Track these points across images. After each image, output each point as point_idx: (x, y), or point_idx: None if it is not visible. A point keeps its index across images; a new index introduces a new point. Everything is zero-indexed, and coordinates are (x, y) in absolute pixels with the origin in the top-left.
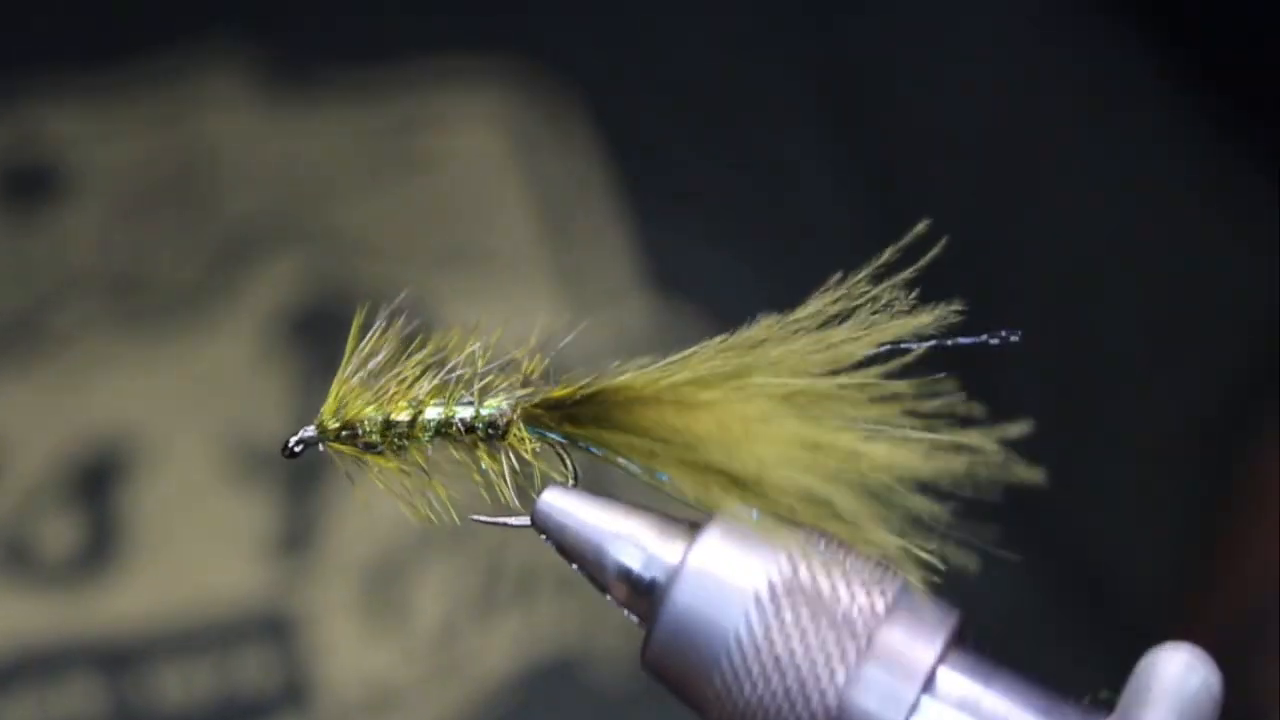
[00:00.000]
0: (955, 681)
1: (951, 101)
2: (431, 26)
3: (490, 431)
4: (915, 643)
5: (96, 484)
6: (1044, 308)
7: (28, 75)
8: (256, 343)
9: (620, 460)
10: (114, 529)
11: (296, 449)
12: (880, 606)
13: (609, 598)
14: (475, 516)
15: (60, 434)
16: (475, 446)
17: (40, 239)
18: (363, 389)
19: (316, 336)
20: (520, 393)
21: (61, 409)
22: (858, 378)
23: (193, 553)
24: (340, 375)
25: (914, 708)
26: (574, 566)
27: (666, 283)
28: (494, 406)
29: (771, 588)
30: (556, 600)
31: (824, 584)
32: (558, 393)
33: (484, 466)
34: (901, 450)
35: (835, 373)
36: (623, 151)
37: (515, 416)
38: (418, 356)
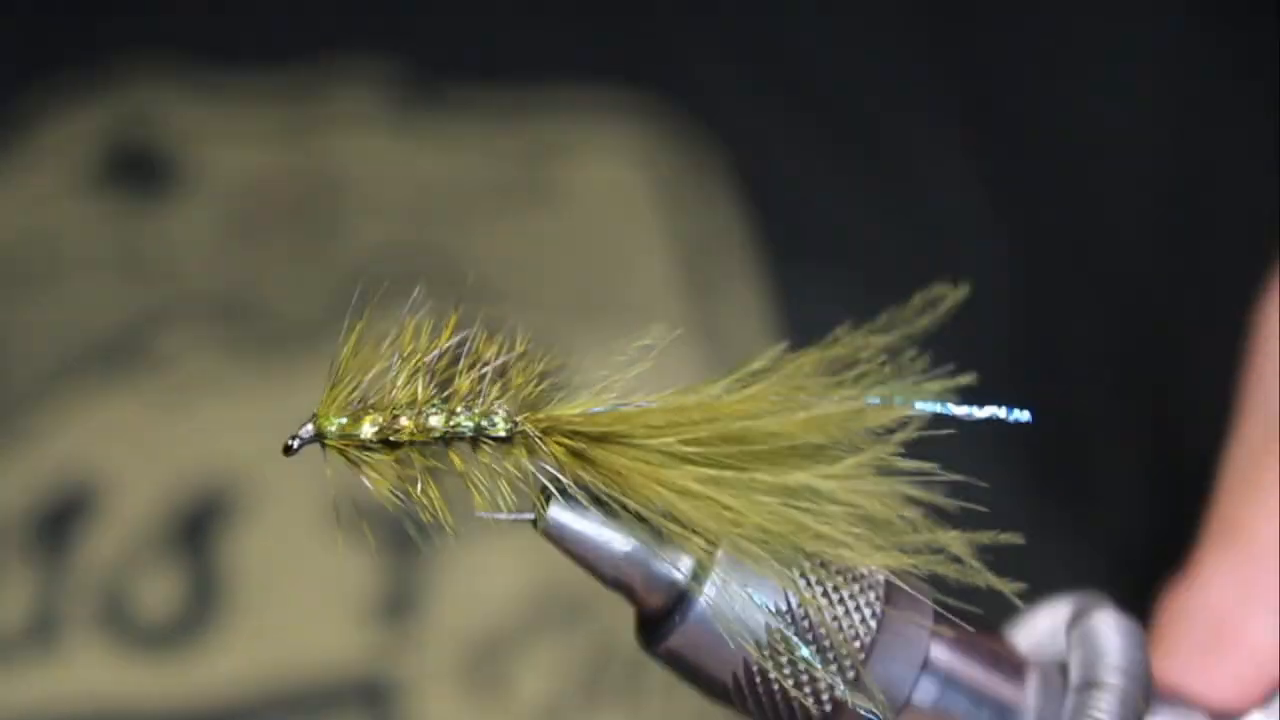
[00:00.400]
0: (941, 655)
1: (1117, 166)
2: (571, 55)
3: (491, 435)
4: (910, 629)
5: (197, 530)
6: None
7: (156, 55)
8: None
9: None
10: (214, 583)
11: (294, 444)
12: (877, 605)
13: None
14: (481, 513)
15: (162, 471)
16: (477, 450)
17: (149, 240)
18: (366, 389)
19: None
20: (521, 408)
21: (161, 443)
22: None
23: (292, 612)
24: (335, 375)
25: (914, 686)
26: (583, 568)
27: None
28: (494, 416)
29: (783, 601)
30: (665, 695)
31: (828, 588)
32: (561, 414)
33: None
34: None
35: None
36: (764, 198)
37: (520, 423)
38: (432, 357)
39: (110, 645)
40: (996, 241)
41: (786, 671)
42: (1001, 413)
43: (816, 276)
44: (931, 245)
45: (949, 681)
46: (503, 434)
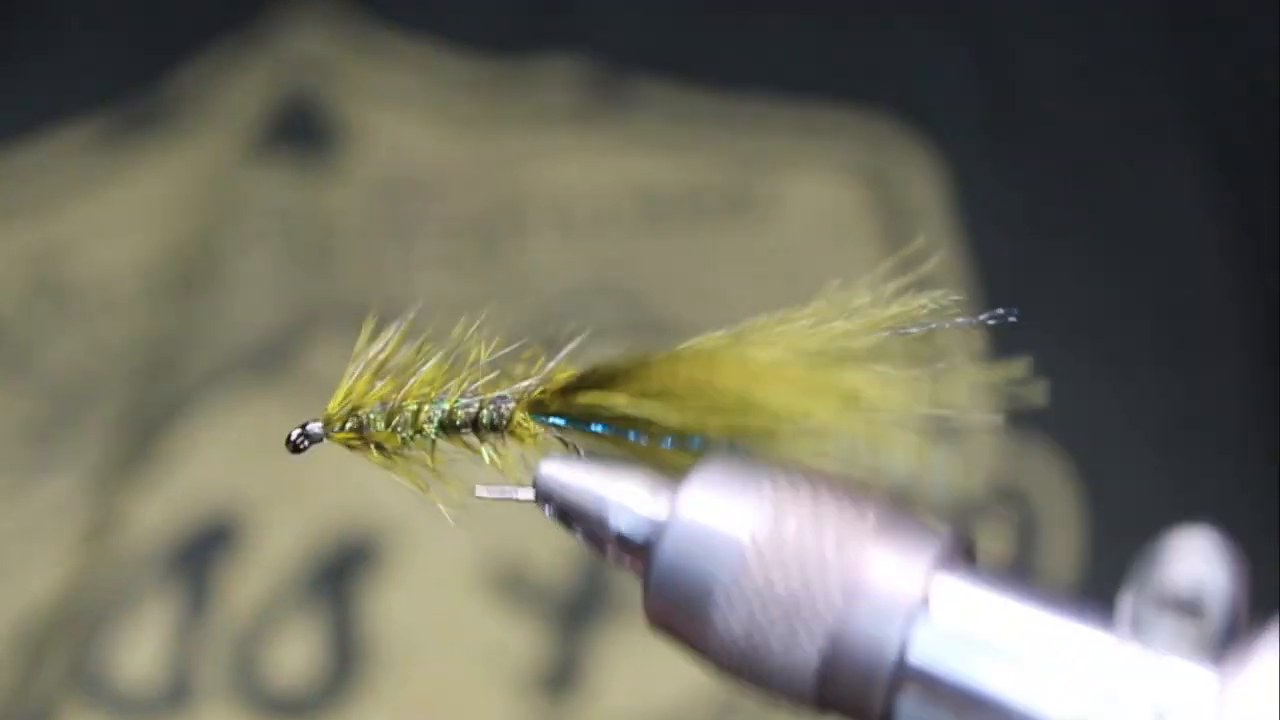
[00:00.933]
0: (950, 598)
1: None
2: (791, 67)
3: (495, 422)
4: (905, 562)
5: (341, 578)
6: None
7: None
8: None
9: (619, 433)
10: (356, 642)
11: (301, 444)
12: (866, 533)
13: (609, 559)
14: (480, 492)
15: (307, 506)
16: (481, 439)
17: (308, 216)
18: (370, 386)
19: None
20: (521, 384)
21: (307, 472)
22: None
23: (441, 679)
24: (348, 374)
25: (909, 626)
26: (576, 535)
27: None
28: (495, 396)
29: (755, 532)
30: None
31: (809, 521)
32: (560, 376)
33: (490, 458)
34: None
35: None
36: (986, 234)
37: (518, 407)
38: (424, 354)
39: (243, 714)
40: (1235, 275)
41: (764, 614)
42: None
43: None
44: (1163, 287)
45: (955, 627)
46: (508, 399)
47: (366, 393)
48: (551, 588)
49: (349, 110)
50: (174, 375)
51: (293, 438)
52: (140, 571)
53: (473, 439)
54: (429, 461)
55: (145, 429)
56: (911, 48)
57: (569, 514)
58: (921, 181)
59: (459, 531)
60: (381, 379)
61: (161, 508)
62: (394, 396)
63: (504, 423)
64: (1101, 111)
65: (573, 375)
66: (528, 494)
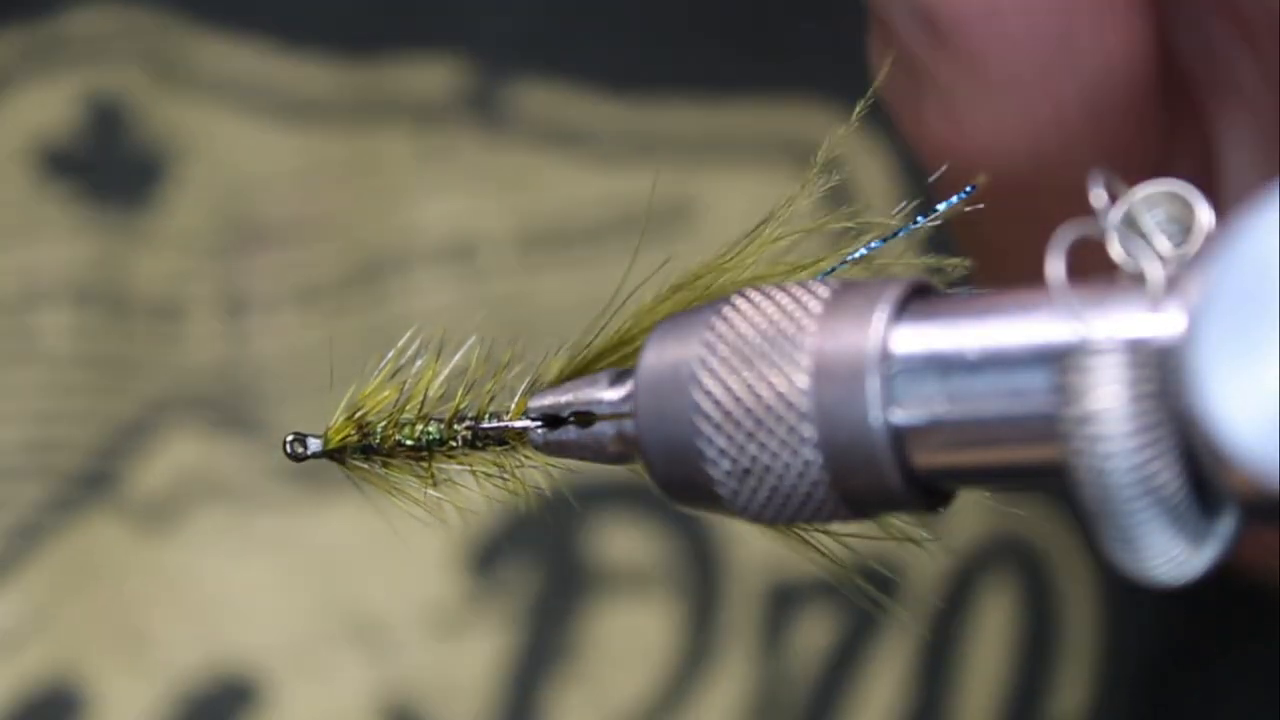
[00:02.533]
0: (918, 338)
1: None
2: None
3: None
4: (858, 323)
5: None
6: None
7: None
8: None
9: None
10: None
11: (298, 451)
12: (816, 311)
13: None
14: (483, 425)
15: (151, 664)
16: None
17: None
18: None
19: None
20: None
21: (143, 621)
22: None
23: None
24: (351, 395)
25: (882, 384)
26: (571, 445)
27: None
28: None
29: (706, 349)
30: None
31: (758, 319)
32: (546, 377)
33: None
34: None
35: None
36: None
37: (514, 410)
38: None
39: None
40: None
41: (749, 430)
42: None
43: None
44: None
45: (938, 365)
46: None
47: (369, 408)
48: None
49: (169, 136)
50: None
51: (287, 444)
52: None
53: (471, 455)
54: (424, 475)
55: None
56: (830, 21)
57: (561, 421)
58: (862, 159)
59: (344, 665)
60: (384, 393)
61: None
62: (393, 413)
63: (504, 429)
64: None
65: (559, 372)
66: (524, 422)
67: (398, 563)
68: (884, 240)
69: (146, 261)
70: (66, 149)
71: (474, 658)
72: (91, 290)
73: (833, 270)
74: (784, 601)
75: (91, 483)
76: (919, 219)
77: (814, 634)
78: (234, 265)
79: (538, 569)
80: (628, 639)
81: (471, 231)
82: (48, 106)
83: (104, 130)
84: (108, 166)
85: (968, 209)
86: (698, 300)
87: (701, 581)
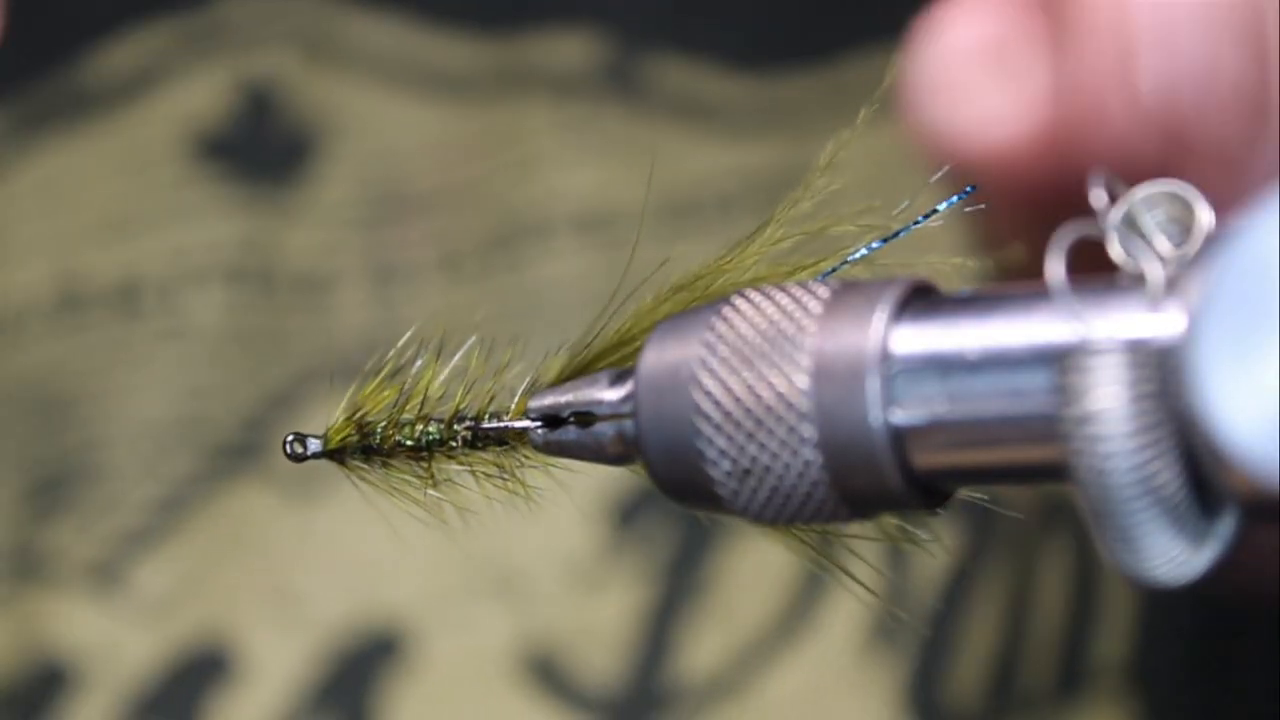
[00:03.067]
0: (918, 338)
1: None
2: None
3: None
4: (858, 323)
5: (354, 695)
6: None
7: None
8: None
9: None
10: None
11: (298, 451)
12: (816, 312)
13: (608, 453)
14: (483, 425)
15: (299, 620)
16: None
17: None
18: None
19: None
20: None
21: (294, 579)
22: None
23: None
24: (351, 397)
25: (882, 384)
26: (571, 446)
27: None
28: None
29: (706, 349)
30: None
31: (758, 320)
32: (548, 376)
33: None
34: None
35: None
36: None
37: (514, 411)
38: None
39: None
40: None
41: (749, 430)
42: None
43: None
44: None
45: (937, 365)
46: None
47: (369, 408)
48: (596, 684)
49: (318, 115)
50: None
51: (286, 444)
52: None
53: (473, 455)
54: (424, 475)
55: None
56: None
57: (561, 422)
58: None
59: (486, 618)
60: (384, 393)
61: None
62: (393, 413)
63: (504, 429)
64: None
65: (559, 372)
66: (524, 422)
67: (539, 517)
68: (884, 240)
69: (296, 236)
70: (220, 134)
71: (613, 608)
72: (242, 268)
73: (833, 270)
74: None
75: (241, 453)
76: (920, 219)
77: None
78: (380, 236)
79: (675, 521)
80: (756, 570)
81: (608, 201)
82: (203, 94)
83: (256, 113)
84: (259, 148)
85: (967, 209)
86: (698, 300)
87: None
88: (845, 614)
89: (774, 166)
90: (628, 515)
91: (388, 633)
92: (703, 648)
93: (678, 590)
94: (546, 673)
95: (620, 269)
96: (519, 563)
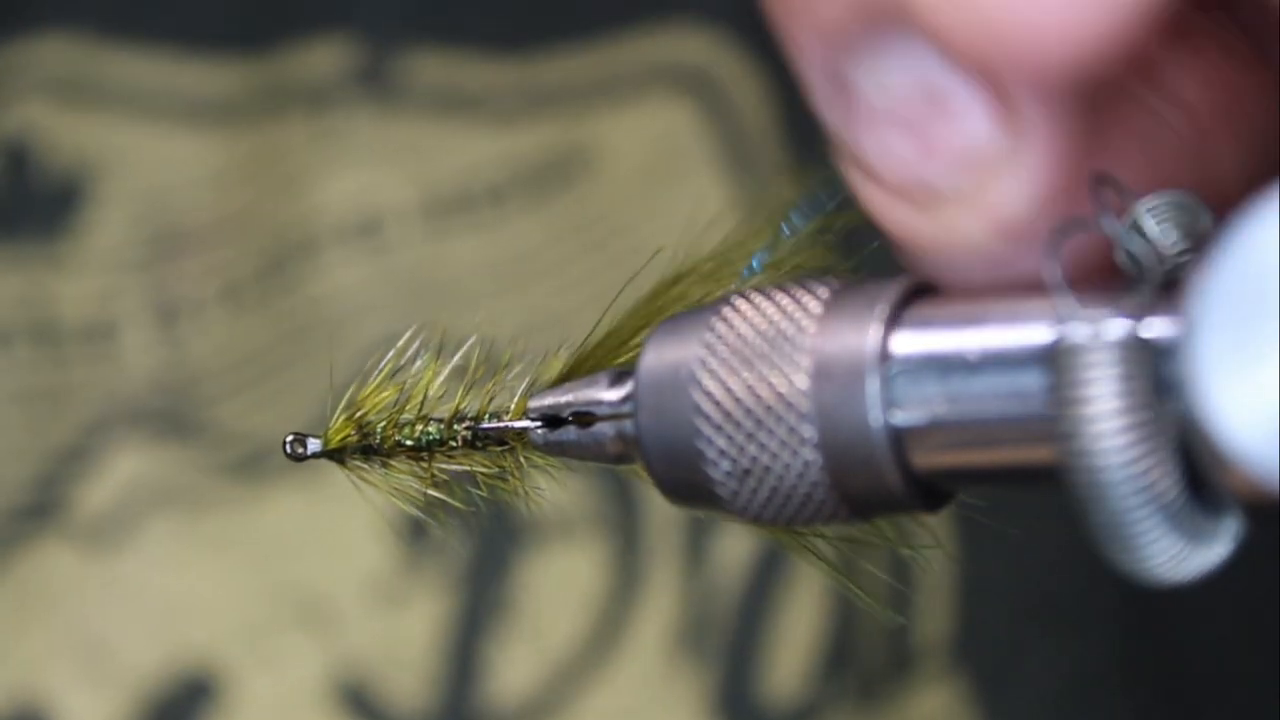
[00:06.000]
0: (917, 339)
1: None
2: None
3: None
4: (858, 323)
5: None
6: None
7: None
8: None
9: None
10: None
11: (298, 451)
12: (816, 312)
13: (608, 453)
14: (484, 425)
15: (109, 673)
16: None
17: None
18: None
19: None
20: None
21: (101, 631)
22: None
23: None
24: (349, 396)
25: (881, 385)
26: (571, 446)
27: None
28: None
29: (706, 350)
30: None
31: (756, 322)
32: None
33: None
34: None
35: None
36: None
37: (514, 410)
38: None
39: None
40: None
41: (748, 431)
42: None
43: None
44: None
45: (937, 364)
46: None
47: (369, 408)
48: (409, 709)
49: (81, 161)
50: None
51: (286, 444)
52: None
53: (471, 455)
54: (423, 475)
55: None
56: None
57: (561, 422)
58: (749, 84)
59: (296, 649)
60: (384, 393)
61: None
62: (393, 413)
63: (504, 430)
64: None
65: (559, 372)
66: (524, 422)
67: (336, 541)
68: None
69: (72, 287)
70: None
71: (417, 625)
72: (17, 326)
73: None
74: (704, 521)
75: (36, 513)
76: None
77: (736, 548)
78: (158, 275)
79: (468, 531)
80: (561, 584)
81: (375, 206)
82: None
83: (14, 169)
84: (23, 204)
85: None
86: (693, 293)
87: (624, 516)
88: (653, 624)
89: (543, 151)
90: (417, 529)
91: (201, 676)
92: (512, 666)
93: (481, 602)
94: (359, 703)
95: (397, 272)
96: (320, 588)
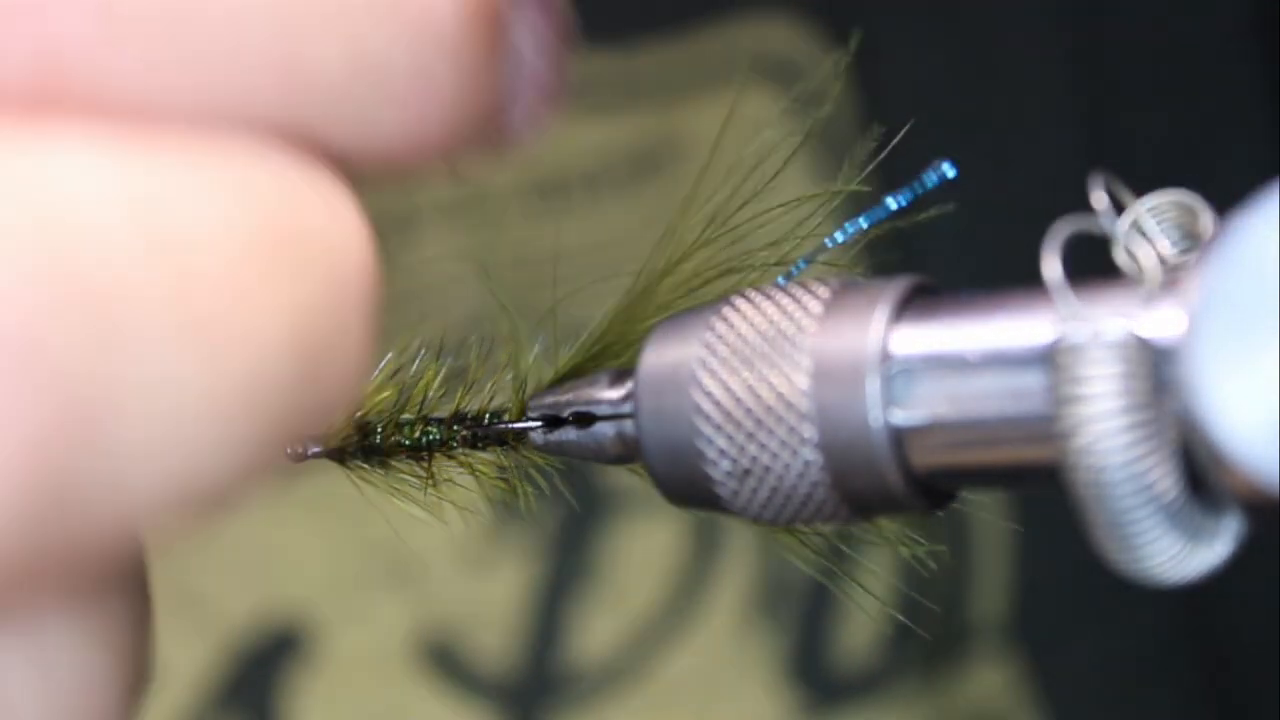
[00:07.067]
0: (918, 339)
1: None
2: None
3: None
4: (858, 322)
5: (256, 689)
6: None
7: None
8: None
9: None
10: None
11: (301, 452)
12: (816, 308)
13: (608, 453)
14: (483, 425)
15: (204, 616)
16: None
17: None
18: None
19: None
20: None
21: (200, 580)
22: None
23: None
24: (360, 398)
25: (881, 384)
26: (572, 446)
27: None
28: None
29: (706, 350)
30: None
31: (756, 321)
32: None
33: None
34: None
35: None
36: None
37: (512, 410)
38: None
39: None
40: None
41: (748, 430)
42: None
43: None
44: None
45: (937, 364)
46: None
47: (369, 408)
48: (494, 669)
49: None
50: None
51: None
52: None
53: (471, 455)
54: (424, 475)
55: None
56: None
57: (561, 422)
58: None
59: (384, 606)
60: (384, 393)
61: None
62: (393, 413)
63: (504, 430)
64: None
65: (559, 372)
66: (524, 422)
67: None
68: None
69: None
70: None
71: (504, 588)
72: None
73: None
74: None
75: None
76: (891, 203)
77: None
78: None
79: (556, 499)
80: (642, 552)
81: (476, 185)
82: None
83: None
84: None
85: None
86: (686, 284)
87: None
88: (729, 591)
89: (636, 140)
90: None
91: (292, 628)
92: (595, 630)
93: (566, 568)
94: (444, 659)
95: (491, 248)
96: (411, 550)
